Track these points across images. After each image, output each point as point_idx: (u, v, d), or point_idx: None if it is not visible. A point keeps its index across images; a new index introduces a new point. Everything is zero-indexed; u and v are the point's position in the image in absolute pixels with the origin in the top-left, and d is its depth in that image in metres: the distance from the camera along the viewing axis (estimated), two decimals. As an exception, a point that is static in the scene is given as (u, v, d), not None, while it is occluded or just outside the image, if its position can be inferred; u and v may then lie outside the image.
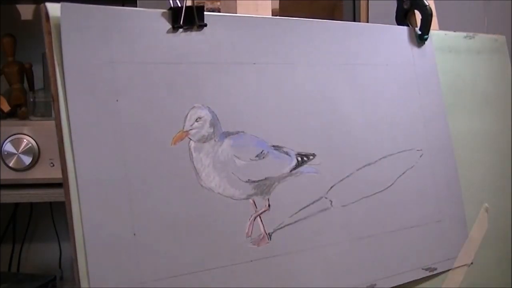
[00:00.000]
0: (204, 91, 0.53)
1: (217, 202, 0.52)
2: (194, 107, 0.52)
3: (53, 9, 0.46)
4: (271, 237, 0.55)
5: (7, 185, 1.15)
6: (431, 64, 0.72)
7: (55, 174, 1.15)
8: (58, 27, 0.46)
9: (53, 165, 1.16)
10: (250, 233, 0.53)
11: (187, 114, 0.52)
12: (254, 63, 0.57)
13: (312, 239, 0.57)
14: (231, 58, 0.55)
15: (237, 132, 0.54)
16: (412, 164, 0.67)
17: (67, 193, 0.45)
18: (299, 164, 0.58)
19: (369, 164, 0.62)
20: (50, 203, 1.42)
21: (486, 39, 0.80)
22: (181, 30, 0.52)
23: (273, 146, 0.56)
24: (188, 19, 0.52)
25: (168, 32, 0.52)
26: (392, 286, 0.62)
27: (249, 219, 0.54)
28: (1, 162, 1.14)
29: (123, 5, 0.52)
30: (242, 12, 0.61)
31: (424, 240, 0.66)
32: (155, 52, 0.51)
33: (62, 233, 1.50)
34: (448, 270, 0.69)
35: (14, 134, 1.15)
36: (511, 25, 1.24)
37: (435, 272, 0.67)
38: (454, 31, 0.77)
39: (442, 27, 0.76)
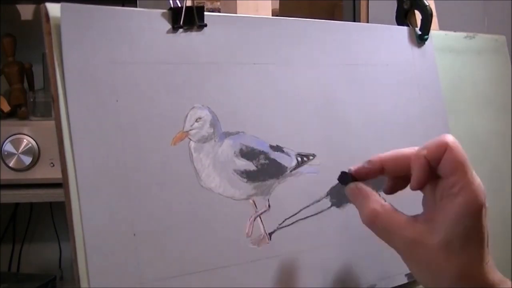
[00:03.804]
0: (204, 91, 0.53)
1: (217, 202, 0.52)
2: (194, 107, 0.52)
3: (53, 9, 0.46)
4: (271, 237, 0.55)
5: (7, 185, 1.15)
6: (431, 64, 0.72)
7: (55, 174, 1.16)
8: (58, 28, 0.46)
9: (53, 165, 1.16)
10: (250, 233, 0.53)
11: (187, 115, 0.52)
12: (254, 63, 0.57)
13: (312, 239, 0.57)
14: (231, 58, 0.55)
15: (237, 133, 0.54)
16: (412, 164, 0.67)
17: (67, 193, 0.45)
18: (299, 164, 0.58)
19: (369, 164, 0.62)
20: (50, 203, 1.42)
21: (486, 39, 0.80)
22: (181, 30, 0.52)
23: (273, 146, 0.56)
24: (188, 19, 0.52)
25: (168, 32, 0.52)
26: (392, 286, 0.62)
27: (249, 219, 0.54)
28: (1, 162, 1.14)
29: (123, 5, 0.52)
30: (242, 12, 0.61)
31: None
32: (155, 52, 0.51)
33: (62, 233, 1.50)
34: (448, 270, 0.69)
35: (14, 134, 1.15)
36: (511, 25, 1.24)
37: (435, 272, 0.67)
38: (454, 31, 0.77)
39: (442, 27, 0.76)
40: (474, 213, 0.48)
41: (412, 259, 0.51)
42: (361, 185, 0.54)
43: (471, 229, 0.48)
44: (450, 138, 0.49)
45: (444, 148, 0.49)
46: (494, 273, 0.50)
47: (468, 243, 0.48)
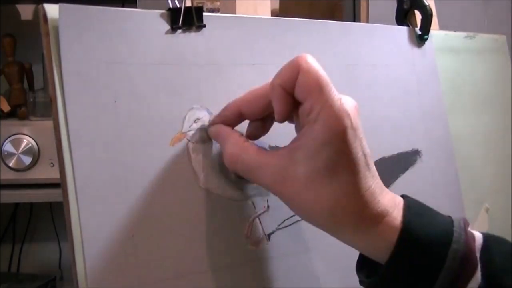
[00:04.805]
0: (203, 92, 0.53)
1: (216, 203, 0.52)
2: (192, 108, 0.52)
3: (52, 10, 0.46)
4: (270, 238, 0.54)
5: (7, 185, 1.15)
6: (431, 64, 0.72)
7: (55, 174, 1.16)
8: (57, 28, 0.46)
9: (53, 165, 1.16)
10: (249, 234, 0.53)
11: (186, 115, 0.52)
12: (254, 64, 0.57)
13: (311, 240, 0.57)
14: (230, 59, 0.55)
15: (236, 133, 0.54)
16: (411, 164, 0.67)
17: (65, 194, 0.45)
18: (298, 165, 0.57)
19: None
20: (50, 203, 1.43)
21: (486, 39, 0.80)
22: (179, 31, 0.52)
23: (272, 147, 0.56)
24: (187, 20, 0.52)
25: (166, 33, 0.52)
26: (391, 287, 0.62)
27: (248, 220, 0.54)
28: (1, 162, 1.14)
29: (123, 6, 0.52)
30: (241, 12, 0.60)
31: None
32: (153, 53, 0.51)
33: (62, 233, 1.50)
34: (448, 271, 0.69)
35: (14, 134, 1.15)
36: (511, 25, 1.24)
37: (435, 273, 0.66)
38: (454, 31, 0.77)
39: (442, 27, 0.76)
40: (337, 138, 0.43)
41: (282, 196, 0.46)
42: (220, 126, 0.50)
43: (336, 155, 0.43)
44: (302, 60, 0.44)
45: (296, 72, 0.44)
46: (379, 200, 0.44)
47: (336, 172, 0.43)
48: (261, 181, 0.46)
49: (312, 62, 0.44)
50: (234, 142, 0.48)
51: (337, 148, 0.43)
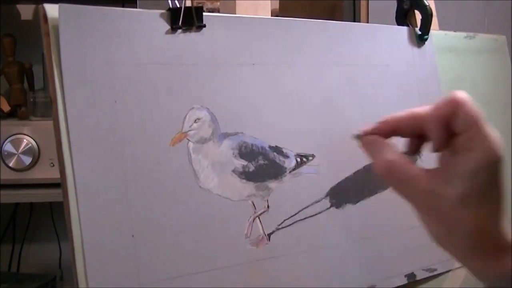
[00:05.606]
0: (203, 92, 0.53)
1: (216, 203, 0.52)
2: (192, 108, 0.52)
3: (52, 10, 0.46)
4: (270, 238, 0.54)
5: (7, 185, 1.15)
6: (431, 64, 0.72)
7: (55, 174, 1.15)
8: (57, 28, 0.46)
9: (53, 165, 1.16)
10: (249, 234, 0.53)
11: (186, 115, 0.52)
12: (253, 64, 0.57)
13: (311, 240, 0.57)
14: (230, 59, 0.55)
15: (236, 133, 0.54)
16: (412, 165, 0.67)
17: (65, 194, 0.45)
18: (298, 165, 0.57)
19: (368, 165, 0.62)
20: (50, 203, 1.42)
21: (486, 39, 0.80)
22: (179, 31, 0.52)
23: (272, 147, 0.56)
24: (187, 20, 0.52)
25: (166, 33, 0.52)
26: (392, 287, 0.62)
27: (248, 220, 0.54)
28: (1, 162, 1.14)
29: (123, 6, 0.52)
30: (241, 12, 0.60)
31: (424, 240, 0.66)
32: (153, 53, 0.51)
33: (62, 233, 1.50)
34: (449, 271, 0.69)
35: (14, 134, 1.15)
36: (511, 25, 1.24)
37: (435, 273, 0.66)
38: (454, 31, 0.77)
39: (442, 27, 0.76)
40: (491, 167, 0.47)
41: (427, 211, 0.49)
42: (376, 136, 0.53)
43: (488, 183, 0.47)
44: (460, 94, 0.48)
45: (455, 106, 0.48)
46: (509, 232, 0.48)
47: (485, 198, 0.47)
48: (410, 193, 0.49)
49: (468, 98, 0.48)
50: (390, 151, 0.51)
51: (490, 176, 0.47)
